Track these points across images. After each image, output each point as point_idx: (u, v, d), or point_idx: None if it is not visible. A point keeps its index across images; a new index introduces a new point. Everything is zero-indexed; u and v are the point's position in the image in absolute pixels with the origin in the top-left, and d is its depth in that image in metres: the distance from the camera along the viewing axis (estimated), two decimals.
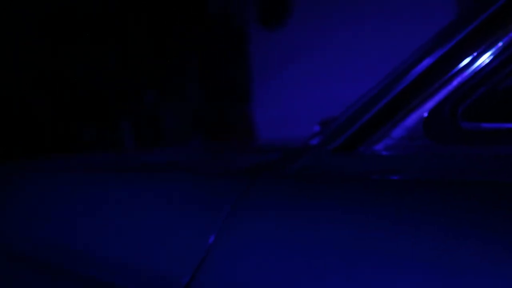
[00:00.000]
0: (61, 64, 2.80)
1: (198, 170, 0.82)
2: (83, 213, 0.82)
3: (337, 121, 0.66)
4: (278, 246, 0.57)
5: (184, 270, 0.63)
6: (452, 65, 0.56)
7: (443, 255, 0.46)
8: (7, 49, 2.65)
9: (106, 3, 2.78)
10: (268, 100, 2.94)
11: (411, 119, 0.59)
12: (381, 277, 0.49)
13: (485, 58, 0.55)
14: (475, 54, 0.55)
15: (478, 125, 0.56)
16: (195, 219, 0.67)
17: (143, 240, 0.71)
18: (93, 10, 2.77)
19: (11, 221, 0.97)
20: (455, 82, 0.56)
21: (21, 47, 2.68)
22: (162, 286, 0.65)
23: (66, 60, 2.80)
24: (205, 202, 0.68)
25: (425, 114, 0.58)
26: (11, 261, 0.92)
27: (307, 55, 2.72)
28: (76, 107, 2.87)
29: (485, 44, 0.55)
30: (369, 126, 0.62)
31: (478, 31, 0.55)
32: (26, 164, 1.18)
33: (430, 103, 0.58)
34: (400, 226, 0.51)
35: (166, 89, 3.04)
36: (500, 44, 0.54)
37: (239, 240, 0.61)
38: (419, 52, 0.60)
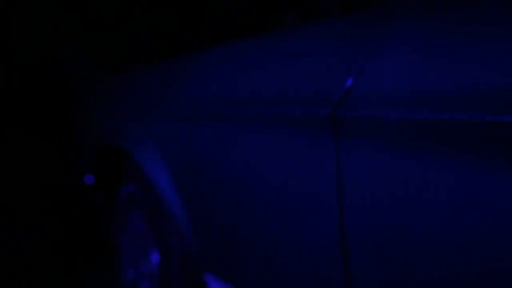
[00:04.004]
0: None
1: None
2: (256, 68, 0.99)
3: None
4: (419, 55, 0.65)
5: (339, 87, 0.75)
6: None
7: None
8: None
9: None
10: None
11: None
12: None
13: None
14: None
15: None
16: (344, 52, 0.78)
17: (303, 75, 0.84)
18: None
19: (203, 89, 1.16)
20: None
21: None
22: (320, 102, 0.77)
23: None
24: (351, 37, 0.78)
25: None
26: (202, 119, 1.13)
27: None
28: None
29: None
30: None
31: None
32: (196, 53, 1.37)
33: None
34: None
35: None
36: None
37: (385, 61, 0.70)
38: None
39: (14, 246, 2.53)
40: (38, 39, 2.78)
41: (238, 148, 0.96)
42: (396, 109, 0.64)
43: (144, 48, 2.82)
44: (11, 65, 2.75)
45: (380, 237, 0.67)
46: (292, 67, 0.87)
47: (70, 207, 2.56)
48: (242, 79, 1.01)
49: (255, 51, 1.02)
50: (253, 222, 0.94)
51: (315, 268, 0.80)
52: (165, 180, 1.26)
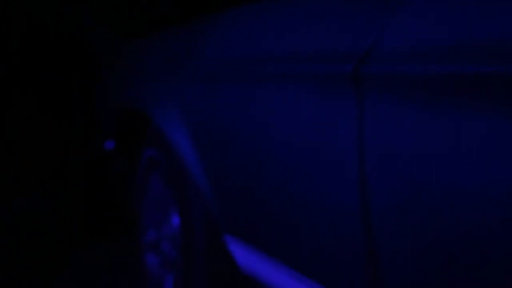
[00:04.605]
0: None
1: None
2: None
3: None
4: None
5: (361, 43, 0.74)
6: None
7: None
8: None
9: None
10: None
11: None
12: None
13: None
14: None
15: None
16: (366, 7, 0.76)
17: (325, 32, 0.83)
18: None
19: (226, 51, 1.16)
20: None
21: None
22: (343, 59, 0.76)
23: None
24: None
25: None
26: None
27: None
28: None
29: None
30: None
31: None
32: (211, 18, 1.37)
33: None
34: None
35: None
36: None
37: (409, 16, 0.68)
38: None
39: (35, 213, 2.58)
40: (56, 7, 2.78)
41: (259, 108, 0.96)
42: (421, 64, 0.63)
43: (161, 12, 2.82)
44: (29, 35, 2.76)
45: (404, 196, 0.66)
46: (314, 24, 0.86)
47: (91, 174, 2.59)
48: (263, 38, 0.99)
49: (276, 10, 1.01)
50: (273, 183, 0.94)
51: (336, 227, 0.80)
52: (186, 142, 1.26)
